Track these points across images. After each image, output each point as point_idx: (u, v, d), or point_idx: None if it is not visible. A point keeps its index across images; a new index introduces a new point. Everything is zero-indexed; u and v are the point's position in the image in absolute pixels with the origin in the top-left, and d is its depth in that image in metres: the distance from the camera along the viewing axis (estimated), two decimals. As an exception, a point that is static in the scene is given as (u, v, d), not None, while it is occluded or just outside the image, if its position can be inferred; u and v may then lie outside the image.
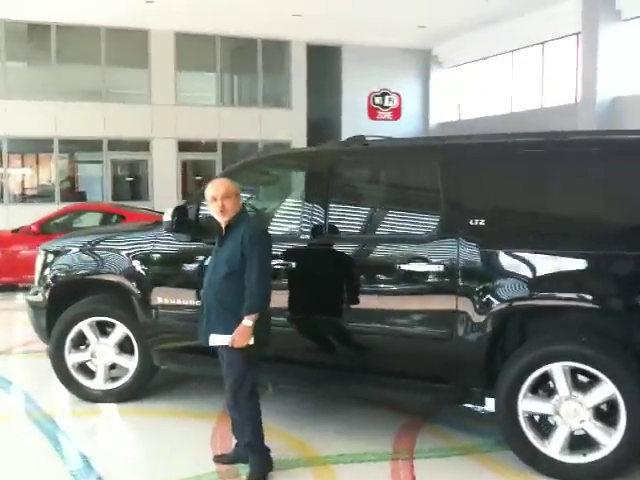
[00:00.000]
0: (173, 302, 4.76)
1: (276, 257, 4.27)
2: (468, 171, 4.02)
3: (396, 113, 20.31)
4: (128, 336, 5.03)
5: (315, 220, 4.37)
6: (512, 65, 18.06)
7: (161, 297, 4.79)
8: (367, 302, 4.20)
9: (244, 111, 18.56)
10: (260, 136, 18.56)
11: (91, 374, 5.17)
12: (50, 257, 5.37)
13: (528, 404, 3.73)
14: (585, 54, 14.17)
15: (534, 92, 17.09)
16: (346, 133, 19.38)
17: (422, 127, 20.75)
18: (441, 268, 3.95)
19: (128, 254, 4.96)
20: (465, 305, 3.85)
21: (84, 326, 5.09)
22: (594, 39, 13.85)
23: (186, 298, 4.69)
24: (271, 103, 19.15)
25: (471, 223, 3.92)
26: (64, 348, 5.09)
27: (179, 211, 4.61)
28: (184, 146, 18.12)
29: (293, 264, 4.37)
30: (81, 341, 5.15)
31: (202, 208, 4.65)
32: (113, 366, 5.13)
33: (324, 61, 19.78)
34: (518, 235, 3.87)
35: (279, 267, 4.34)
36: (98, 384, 5.11)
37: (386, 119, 20.14)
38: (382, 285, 4.25)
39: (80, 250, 5.25)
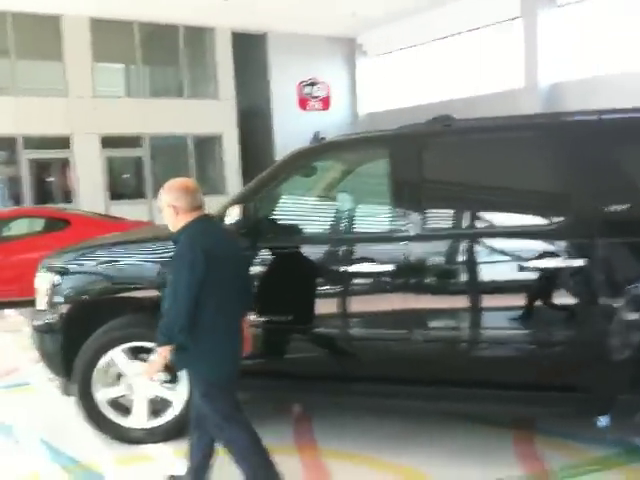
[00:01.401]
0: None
1: (367, 260, 3.75)
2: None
3: (325, 103, 19.79)
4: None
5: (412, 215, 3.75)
6: (446, 53, 17.97)
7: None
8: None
9: (170, 103, 17.37)
10: (188, 129, 17.48)
11: (125, 411, 4.30)
12: (60, 275, 4.42)
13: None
14: (526, 40, 14.24)
15: (471, 79, 17.08)
16: (277, 123, 18.74)
17: (351, 117, 20.37)
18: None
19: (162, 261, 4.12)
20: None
21: (117, 354, 4.21)
22: (533, 25, 13.95)
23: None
24: (198, 94, 18.07)
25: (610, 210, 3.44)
26: (92, 381, 4.20)
27: (246, 211, 3.84)
28: (108, 142, 16.72)
29: (390, 267, 3.74)
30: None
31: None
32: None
33: (250, 49, 18.95)
34: None
35: (371, 272, 3.76)
36: (139, 422, 4.25)
37: (316, 109, 19.59)
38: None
39: (101, 263, 4.35)
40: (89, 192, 15.96)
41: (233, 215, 3.78)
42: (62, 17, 16.07)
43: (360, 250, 3.88)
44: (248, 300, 3.46)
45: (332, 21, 18.06)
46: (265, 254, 3.99)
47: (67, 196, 16.41)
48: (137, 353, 4.26)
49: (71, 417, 4.59)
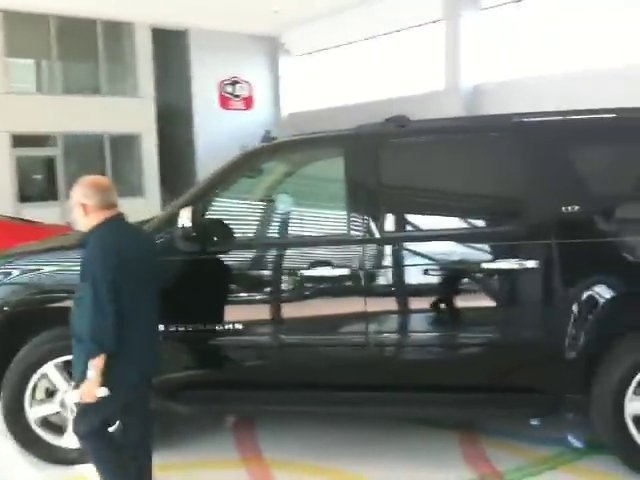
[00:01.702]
0: (187, 327, 3.80)
1: (319, 264, 3.66)
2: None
3: (248, 102, 19.60)
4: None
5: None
6: (369, 54, 18.11)
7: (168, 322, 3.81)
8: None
9: (86, 100, 16.65)
10: (105, 128, 16.83)
11: (58, 430, 4.02)
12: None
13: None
14: (447, 42, 14.53)
15: (392, 80, 17.27)
16: (198, 122, 18.36)
17: (273, 117, 20.21)
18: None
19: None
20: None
21: (50, 369, 3.93)
22: (456, 26, 14.26)
23: (209, 318, 3.79)
24: (116, 92, 17.42)
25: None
26: (24, 399, 3.90)
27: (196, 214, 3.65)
28: (19, 141, 15.85)
29: (342, 271, 3.66)
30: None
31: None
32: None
33: (170, 46, 18.48)
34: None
35: (322, 276, 3.67)
36: (73, 442, 3.97)
37: (238, 108, 19.37)
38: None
39: (29, 272, 4.05)
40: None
41: (185, 217, 3.58)
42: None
43: (312, 254, 3.77)
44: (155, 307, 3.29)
45: (255, 19, 17.84)
46: (214, 259, 3.82)
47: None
48: (68, 367, 4.01)
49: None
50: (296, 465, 3.87)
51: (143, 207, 16.95)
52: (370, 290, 3.64)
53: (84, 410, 3.05)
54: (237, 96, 19.31)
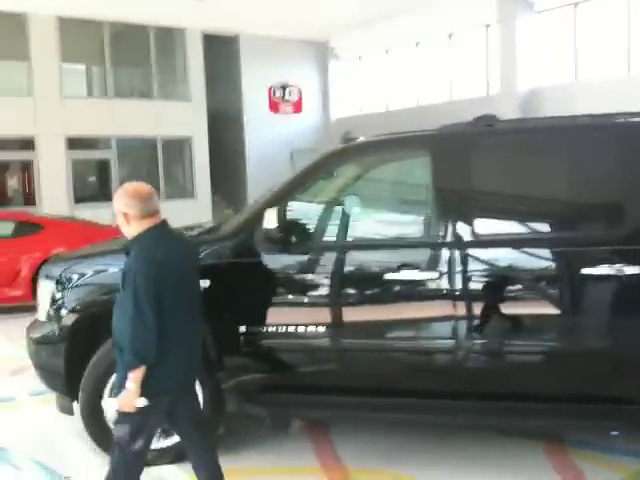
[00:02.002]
0: (268, 329, 3.73)
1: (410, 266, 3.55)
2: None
3: (297, 107, 19.61)
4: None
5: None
6: (417, 58, 17.96)
7: (249, 323, 3.75)
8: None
9: (139, 104, 16.89)
10: (158, 131, 17.03)
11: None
12: (63, 284, 4.09)
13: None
14: (503, 45, 14.29)
15: (443, 85, 17.09)
16: (248, 127, 18.43)
17: (323, 121, 20.18)
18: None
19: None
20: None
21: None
22: (512, 30, 14.01)
23: (290, 320, 3.71)
24: (168, 96, 17.63)
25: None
26: (101, 400, 3.88)
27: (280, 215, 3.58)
28: (74, 144, 16.15)
29: (434, 275, 3.54)
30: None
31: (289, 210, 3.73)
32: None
33: (221, 51, 18.62)
34: None
35: (412, 280, 3.56)
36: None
37: (287, 113, 19.39)
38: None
39: (109, 272, 4.03)
40: (53, 195, 15.37)
41: (271, 219, 3.51)
42: (29, 15, 15.48)
43: (402, 256, 3.65)
44: (199, 316, 3.22)
45: (304, 24, 17.88)
46: (298, 260, 3.75)
47: (29, 199, 15.79)
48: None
49: (64, 435, 4.32)
50: (379, 472, 3.76)
51: (194, 208, 17.21)
52: (460, 295, 3.50)
53: (125, 418, 2.98)
54: (287, 100, 19.35)
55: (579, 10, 13.65)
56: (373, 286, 3.69)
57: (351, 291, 3.72)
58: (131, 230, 3.02)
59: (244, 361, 3.82)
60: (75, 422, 4.14)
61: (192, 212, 16.21)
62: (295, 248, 3.70)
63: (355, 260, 3.72)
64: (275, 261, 3.73)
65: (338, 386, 3.73)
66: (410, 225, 3.87)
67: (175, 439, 3.91)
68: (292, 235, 3.65)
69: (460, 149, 3.63)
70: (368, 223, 3.92)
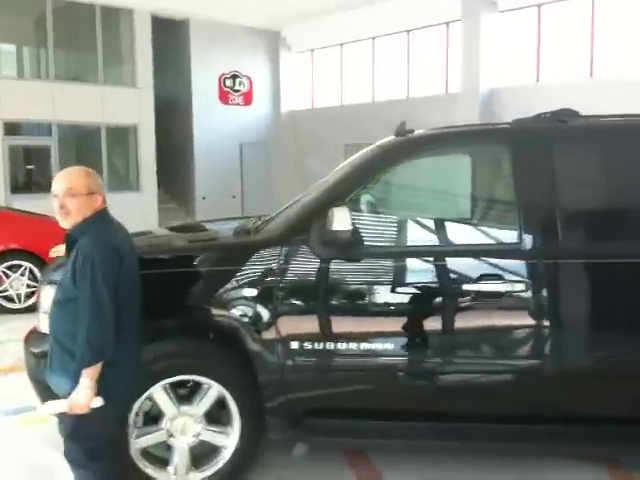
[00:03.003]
0: (326, 345, 3.27)
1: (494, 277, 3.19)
2: None
3: (247, 98, 18.95)
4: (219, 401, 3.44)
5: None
6: (373, 53, 17.66)
7: (304, 339, 3.28)
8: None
9: (82, 89, 15.79)
10: (102, 118, 16.03)
11: (161, 462, 3.46)
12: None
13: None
14: (466, 44, 14.17)
15: (399, 82, 16.86)
16: (197, 117, 17.66)
17: (273, 114, 19.60)
18: None
19: (239, 277, 3.33)
20: None
21: (157, 391, 3.36)
22: (475, 29, 13.91)
23: (355, 335, 3.25)
24: (114, 81, 16.58)
25: None
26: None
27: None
28: (11, 129, 14.95)
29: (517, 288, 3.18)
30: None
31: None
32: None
33: (171, 36, 17.71)
34: None
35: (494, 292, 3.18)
36: (180, 475, 3.41)
37: (237, 104, 18.70)
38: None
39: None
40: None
41: (341, 219, 3.04)
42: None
43: (476, 265, 3.27)
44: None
45: (256, 11, 17.23)
46: (371, 268, 3.30)
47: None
48: (175, 388, 3.46)
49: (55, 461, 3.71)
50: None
51: (139, 203, 16.30)
52: (554, 310, 3.16)
53: (76, 428, 2.69)
54: (237, 91, 18.65)
55: (543, 12, 13.69)
56: (449, 298, 3.29)
57: (435, 304, 3.30)
58: (86, 212, 2.75)
59: (293, 380, 3.35)
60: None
61: (137, 207, 15.39)
62: (369, 253, 3.26)
63: (439, 269, 3.30)
64: (341, 268, 3.27)
65: (409, 411, 3.33)
66: (499, 229, 3.47)
67: (211, 470, 3.44)
68: (366, 238, 3.21)
69: (546, 145, 3.29)
70: (453, 226, 3.49)
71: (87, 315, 2.58)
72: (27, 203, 11.91)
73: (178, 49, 17.89)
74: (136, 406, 3.31)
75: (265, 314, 3.28)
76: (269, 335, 3.28)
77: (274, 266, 3.31)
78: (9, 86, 14.64)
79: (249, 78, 18.89)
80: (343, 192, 3.35)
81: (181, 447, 3.39)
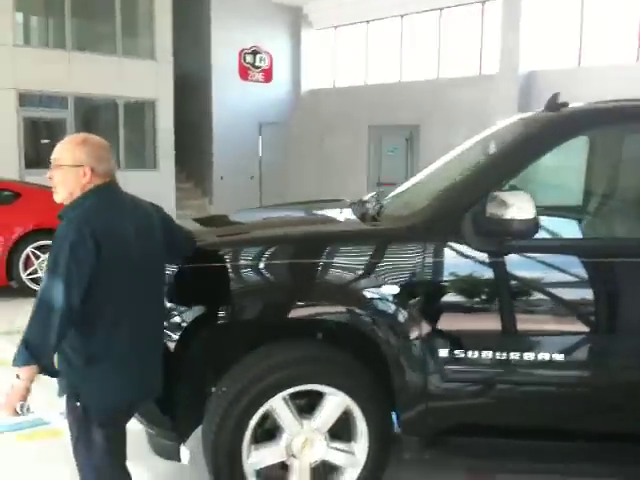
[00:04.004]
0: (490, 356, 2.77)
1: None
2: None
3: (267, 75, 18.32)
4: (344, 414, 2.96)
5: None
6: (401, 31, 17.03)
7: (456, 346, 2.78)
8: None
9: (100, 60, 15.12)
10: (120, 91, 15.39)
11: (275, 482, 2.98)
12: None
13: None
14: (505, 23, 13.58)
15: (427, 62, 16.25)
16: (217, 93, 17.06)
17: (293, 93, 18.98)
18: None
19: (379, 272, 2.82)
20: None
21: (277, 403, 2.86)
22: (517, 7, 13.32)
23: (527, 346, 2.76)
24: (132, 53, 15.90)
25: None
26: (242, 443, 2.83)
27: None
28: (27, 100, 14.31)
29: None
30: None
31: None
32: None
33: (191, 9, 17.04)
34: None
35: None
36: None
37: (257, 80, 18.08)
38: None
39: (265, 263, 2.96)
40: (1, 158, 13.47)
41: (523, 206, 2.53)
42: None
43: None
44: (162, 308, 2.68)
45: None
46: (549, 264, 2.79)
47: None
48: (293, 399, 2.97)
49: None
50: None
51: (156, 181, 15.70)
52: None
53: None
54: (257, 67, 18.01)
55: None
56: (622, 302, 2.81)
57: (623, 309, 2.81)
58: (72, 188, 2.41)
59: (440, 392, 2.86)
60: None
61: (154, 186, 14.78)
62: (544, 247, 2.76)
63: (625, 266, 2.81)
64: (514, 264, 2.77)
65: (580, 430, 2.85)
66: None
67: None
68: (544, 230, 2.72)
69: None
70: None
71: (33, 311, 2.25)
72: (42, 178, 11.30)
73: (198, 22, 17.23)
74: (252, 422, 2.82)
75: (409, 316, 2.78)
76: (412, 340, 2.79)
77: (418, 260, 2.80)
78: (25, 55, 13.98)
79: (269, 54, 18.25)
80: (500, 176, 2.84)
81: (303, 468, 2.91)
